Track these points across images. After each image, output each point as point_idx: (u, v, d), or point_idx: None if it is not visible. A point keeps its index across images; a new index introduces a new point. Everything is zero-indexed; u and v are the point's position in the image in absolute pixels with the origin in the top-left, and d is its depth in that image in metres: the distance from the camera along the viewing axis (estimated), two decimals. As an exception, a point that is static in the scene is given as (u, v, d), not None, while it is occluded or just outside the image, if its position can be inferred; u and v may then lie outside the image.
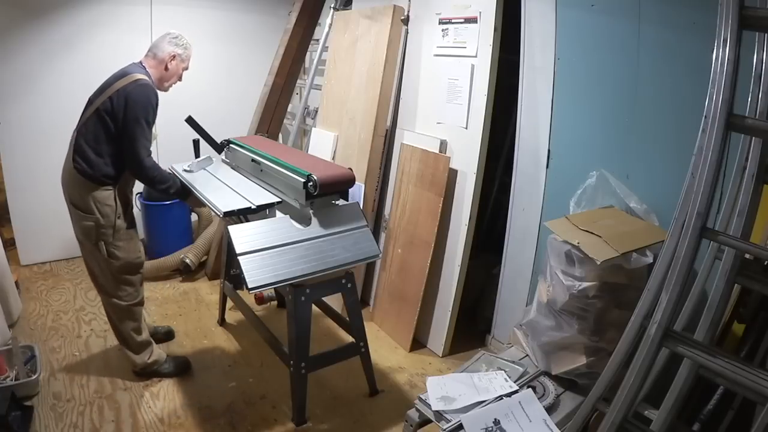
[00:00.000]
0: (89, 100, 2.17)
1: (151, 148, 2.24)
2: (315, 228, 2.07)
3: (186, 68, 2.34)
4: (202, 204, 2.28)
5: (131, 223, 2.32)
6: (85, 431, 2.13)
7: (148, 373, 2.45)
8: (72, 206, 2.19)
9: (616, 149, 2.10)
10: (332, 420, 2.26)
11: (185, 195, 2.35)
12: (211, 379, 2.50)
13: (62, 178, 2.22)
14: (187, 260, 3.47)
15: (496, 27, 2.40)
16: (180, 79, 2.35)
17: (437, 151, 2.69)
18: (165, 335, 2.82)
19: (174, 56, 2.24)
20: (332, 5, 3.49)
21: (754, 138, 1.44)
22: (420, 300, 2.72)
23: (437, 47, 2.74)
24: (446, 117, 2.70)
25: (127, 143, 2.10)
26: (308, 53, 3.88)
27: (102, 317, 2.98)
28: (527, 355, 2.06)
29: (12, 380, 2.26)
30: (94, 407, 2.26)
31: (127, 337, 2.38)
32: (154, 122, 2.17)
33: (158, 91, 2.20)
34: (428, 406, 1.76)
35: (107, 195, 2.16)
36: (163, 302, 3.24)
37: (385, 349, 2.82)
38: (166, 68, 2.25)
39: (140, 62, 2.24)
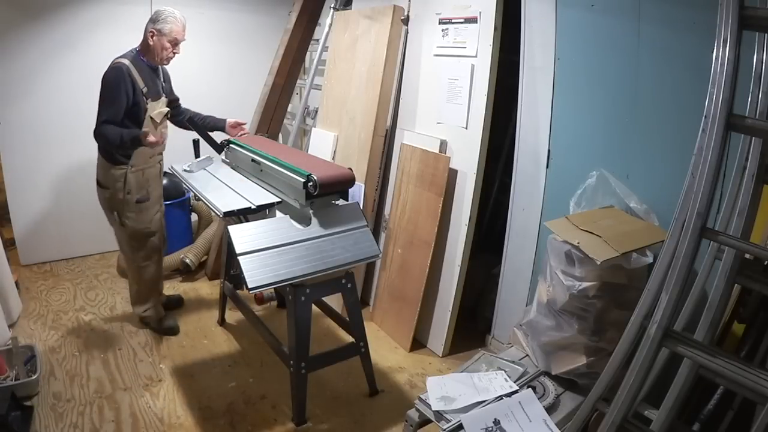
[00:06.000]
0: None
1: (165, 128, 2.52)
2: (315, 228, 2.07)
3: (174, 41, 2.47)
4: (155, 144, 2.41)
5: (144, 198, 2.59)
6: (85, 431, 2.13)
7: (145, 323, 2.88)
8: (97, 182, 2.59)
9: (616, 149, 2.10)
10: (332, 420, 2.27)
11: (136, 139, 2.41)
12: (211, 379, 2.50)
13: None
14: (187, 260, 3.48)
15: (496, 27, 2.40)
16: (173, 50, 2.50)
17: (437, 151, 2.69)
18: (176, 302, 3.16)
19: (153, 33, 2.43)
20: (332, 5, 3.48)
21: (754, 138, 1.44)
22: (420, 300, 2.72)
23: (437, 47, 2.74)
24: (446, 117, 2.70)
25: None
26: (308, 53, 3.88)
27: (102, 317, 3.01)
28: (527, 355, 2.06)
29: (12, 380, 2.26)
30: (94, 407, 2.26)
31: (135, 290, 2.82)
32: (119, 96, 2.35)
33: (128, 65, 2.39)
34: (428, 406, 1.76)
35: (120, 174, 2.50)
36: (163, 302, 3.24)
37: (385, 349, 2.82)
38: (150, 45, 2.45)
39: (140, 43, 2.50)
